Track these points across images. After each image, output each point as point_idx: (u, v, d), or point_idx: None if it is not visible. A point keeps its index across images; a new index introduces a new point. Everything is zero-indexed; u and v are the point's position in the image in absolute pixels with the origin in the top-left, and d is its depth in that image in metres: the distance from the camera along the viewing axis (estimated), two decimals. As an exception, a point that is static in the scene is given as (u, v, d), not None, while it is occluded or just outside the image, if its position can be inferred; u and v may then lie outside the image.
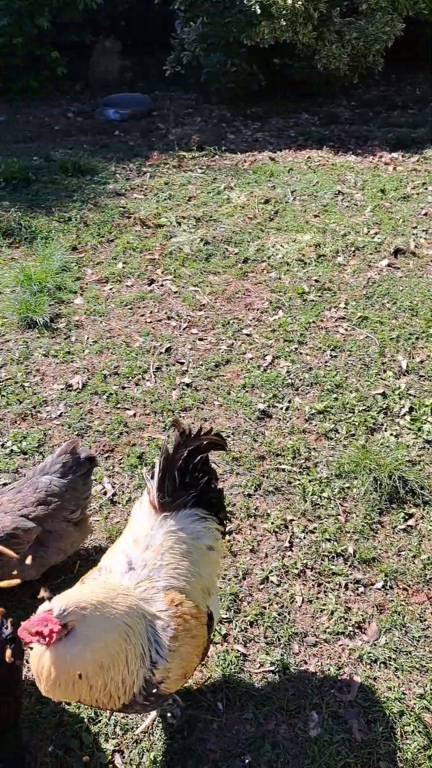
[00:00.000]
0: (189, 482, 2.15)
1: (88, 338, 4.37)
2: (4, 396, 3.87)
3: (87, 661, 1.71)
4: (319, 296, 4.78)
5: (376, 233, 5.59)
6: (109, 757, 2.22)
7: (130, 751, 2.25)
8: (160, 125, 8.34)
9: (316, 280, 4.97)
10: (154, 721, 2.33)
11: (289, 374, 4.04)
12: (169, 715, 2.34)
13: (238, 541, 3.02)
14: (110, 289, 4.93)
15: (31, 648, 1.70)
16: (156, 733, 2.30)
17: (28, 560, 2.47)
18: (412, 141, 7.61)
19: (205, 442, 2.19)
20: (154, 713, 2.33)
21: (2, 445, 3.51)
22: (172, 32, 8.53)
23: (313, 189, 6.42)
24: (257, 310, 4.68)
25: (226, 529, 2.30)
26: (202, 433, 2.22)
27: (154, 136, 7.99)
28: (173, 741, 2.25)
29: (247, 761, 2.23)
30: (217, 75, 8.09)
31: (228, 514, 2.32)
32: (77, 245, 5.47)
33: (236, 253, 5.34)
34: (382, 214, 5.92)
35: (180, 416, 3.76)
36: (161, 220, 5.84)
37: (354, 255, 5.30)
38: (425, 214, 5.90)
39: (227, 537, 2.97)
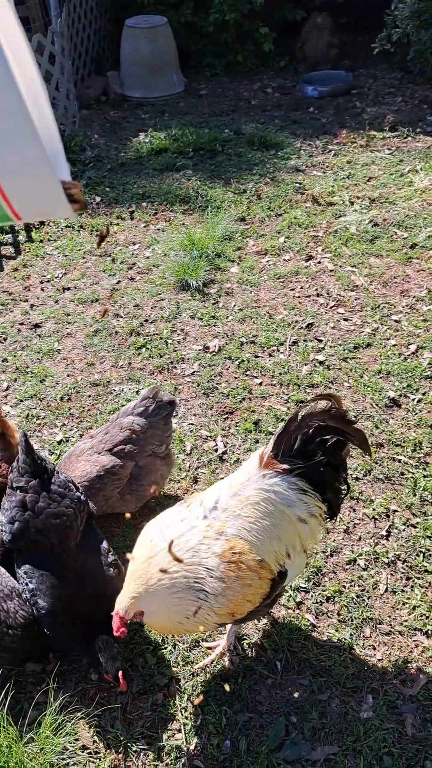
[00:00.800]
0: (305, 453, 2.19)
1: (234, 305, 4.53)
2: (148, 349, 4.17)
3: (164, 621, 2.12)
4: None
5: None
6: (166, 680, 2.40)
7: (186, 682, 2.41)
8: (357, 104, 8.16)
9: None
10: (213, 661, 2.46)
11: (430, 366, 3.88)
12: (227, 661, 2.45)
13: (334, 520, 3.02)
14: (267, 261, 5.03)
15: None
16: (212, 671, 2.44)
17: (128, 494, 2.72)
18: None
19: (341, 428, 2.19)
20: (213, 654, 2.47)
21: (137, 392, 3.81)
22: (387, 9, 8.25)
23: None
24: (413, 297, 4.51)
25: (337, 511, 2.31)
26: (347, 418, 2.22)
27: (347, 115, 7.85)
28: (226, 683, 2.37)
29: (293, 720, 2.29)
30: (425, 53, 7.70)
31: (341, 503, 2.31)
32: (246, 216, 5.63)
33: (405, 238, 5.16)
34: None
35: (306, 392, 3.79)
36: (334, 198, 5.79)
37: None
38: None
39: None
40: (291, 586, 2.69)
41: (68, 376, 4.00)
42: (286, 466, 2.18)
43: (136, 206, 5.92)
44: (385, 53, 8.33)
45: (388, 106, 7.87)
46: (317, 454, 2.17)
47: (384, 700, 2.33)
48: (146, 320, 4.46)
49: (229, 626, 2.47)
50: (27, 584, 2.33)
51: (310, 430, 2.16)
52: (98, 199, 6.09)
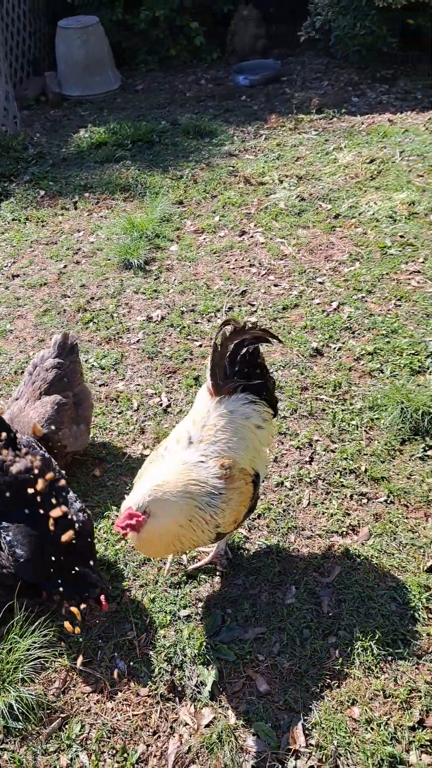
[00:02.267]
0: (238, 371, 2.54)
1: (174, 279, 4.90)
2: (95, 323, 4.51)
3: (170, 527, 2.28)
4: (400, 251, 4.91)
5: None
6: (119, 592, 2.76)
7: (136, 591, 2.77)
8: (287, 90, 8.57)
9: (401, 236, 5.09)
10: (206, 563, 2.85)
11: (349, 319, 4.29)
12: (215, 565, 2.83)
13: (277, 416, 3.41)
14: (204, 238, 5.41)
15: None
16: (160, 581, 2.81)
17: (83, 425, 3.10)
18: None
19: (249, 336, 2.55)
20: (207, 558, 2.86)
21: (86, 360, 4.15)
22: (310, -2, 8.67)
23: (425, 150, 6.40)
24: (336, 261, 4.93)
25: (277, 412, 2.69)
26: (248, 327, 2.58)
27: (278, 101, 8.26)
28: (186, 584, 2.74)
29: (228, 612, 2.67)
30: (345, 38, 8.15)
31: (278, 400, 2.69)
32: (183, 200, 6.00)
33: (329, 210, 5.57)
34: None
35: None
36: (264, 179, 6.19)
37: (447, 213, 5.31)
38: None
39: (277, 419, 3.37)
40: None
41: (21, 352, 4.32)
42: (230, 387, 2.54)
43: (79, 197, 6.24)
44: (311, 40, 8.77)
45: (315, 91, 8.30)
46: (246, 367, 2.54)
47: (305, 588, 2.72)
48: (92, 298, 4.80)
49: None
50: (4, 537, 2.54)
51: (231, 352, 2.52)
52: (42, 192, 6.39)
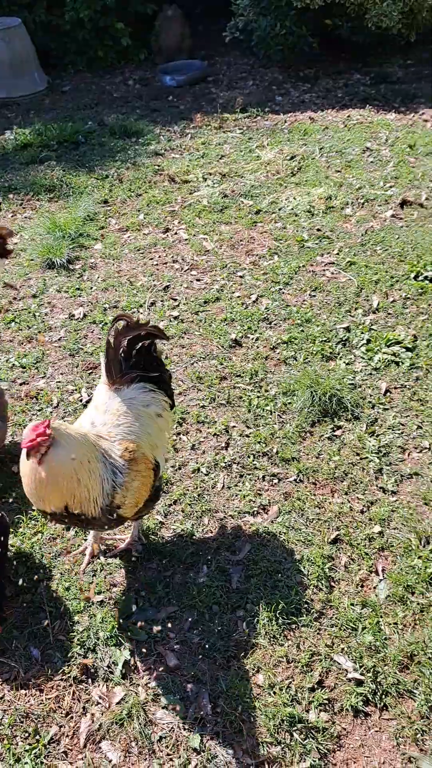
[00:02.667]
0: (134, 363, 2.61)
1: (98, 277, 4.95)
2: (16, 323, 4.52)
3: (68, 463, 2.27)
4: (317, 244, 5.09)
5: (391, 186, 5.77)
6: (33, 583, 2.81)
7: (51, 581, 2.83)
8: (213, 89, 8.72)
9: (318, 230, 5.26)
10: (123, 550, 2.91)
11: (267, 310, 4.43)
12: (133, 550, 2.89)
13: (183, 441, 3.51)
14: (128, 236, 5.47)
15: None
16: (73, 571, 2.86)
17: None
18: (460, 97, 7.55)
19: (143, 332, 2.64)
20: (123, 545, 2.91)
21: (7, 360, 4.16)
22: (233, -1, 8.82)
23: (343, 146, 6.62)
24: (256, 255, 5.06)
25: (174, 402, 2.78)
26: (141, 323, 2.66)
27: (204, 100, 8.39)
28: (102, 571, 2.81)
29: (142, 594, 2.75)
30: (266, 38, 8.34)
31: (172, 393, 2.77)
32: (108, 199, 6.04)
33: (250, 206, 5.71)
34: (403, 168, 6.06)
35: (163, 344, 4.25)
36: (189, 177, 6.30)
37: (362, 207, 5.52)
38: (448, 168, 5.97)
39: (175, 410, 3.47)
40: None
41: None
42: (128, 377, 2.61)
43: (3, 198, 6.21)
44: (237, 41, 8.92)
45: (240, 90, 8.47)
46: (141, 360, 2.62)
47: (216, 567, 2.83)
48: (15, 298, 4.80)
49: (135, 522, 2.89)
50: None
51: (125, 347, 2.60)
52: (-34, 194, 6.33)
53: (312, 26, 8.32)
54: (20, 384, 4.00)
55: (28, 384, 4.00)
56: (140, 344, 2.63)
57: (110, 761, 2.26)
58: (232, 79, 9.01)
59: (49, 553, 2.95)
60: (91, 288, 4.84)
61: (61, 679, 2.49)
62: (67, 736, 2.33)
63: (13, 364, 4.15)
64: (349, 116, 7.36)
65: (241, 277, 4.83)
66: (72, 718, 2.38)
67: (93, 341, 4.31)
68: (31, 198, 6.18)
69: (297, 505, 3.07)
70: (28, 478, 2.30)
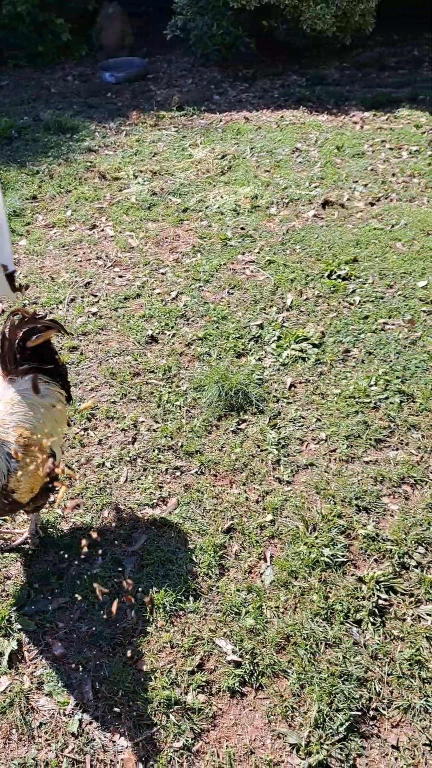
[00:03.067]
0: (28, 356, 2.66)
1: (19, 273, 4.94)
2: None
3: None
4: (240, 242, 5.18)
5: (316, 187, 5.91)
6: None
7: None
8: (152, 87, 8.74)
9: (242, 228, 5.36)
10: (20, 543, 2.94)
11: (186, 307, 4.50)
12: (29, 543, 2.92)
13: (91, 436, 3.56)
14: (54, 232, 5.48)
15: None
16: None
17: None
18: (390, 101, 7.76)
19: (41, 325, 2.68)
20: (20, 539, 2.95)
21: None
22: (173, -3, 8.86)
23: (273, 146, 6.74)
24: (180, 253, 5.13)
25: (71, 395, 2.84)
26: (38, 317, 2.70)
27: (142, 98, 8.41)
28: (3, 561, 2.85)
29: (35, 587, 2.79)
30: (204, 38, 8.41)
31: (68, 385, 2.82)
32: (37, 195, 6.03)
33: (178, 204, 5.78)
34: (329, 169, 6.20)
35: (79, 339, 4.29)
36: (120, 174, 6.33)
37: (287, 206, 5.64)
38: (371, 170, 6.15)
39: (71, 403, 3.52)
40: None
41: None
42: (23, 369, 2.65)
43: None
44: (178, 39, 8.97)
45: (179, 89, 8.51)
46: (37, 352, 2.66)
47: (111, 558, 2.89)
48: None
49: (32, 516, 2.93)
50: None
51: (20, 339, 2.63)
52: None
53: (249, 27, 8.43)
54: None
55: None
56: (36, 336, 2.68)
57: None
58: (172, 77, 9.05)
59: None
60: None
61: None
62: None
63: None
64: (282, 117, 7.48)
65: (163, 274, 4.89)
66: None
67: (10, 337, 4.31)
68: (-41, 193, 6.12)
69: (195, 497, 3.15)
70: None
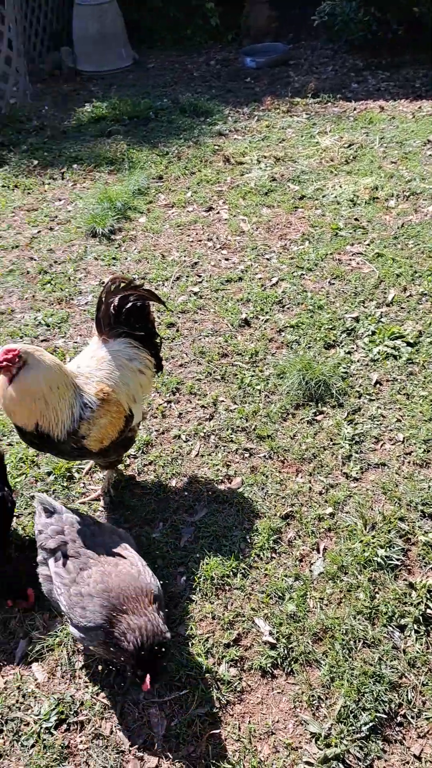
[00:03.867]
0: (121, 320, 2.83)
1: (134, 249, 5.19)
2: (52, 285, 4.84)
3: (37, 383, 2.50)
4: (350, 233, 5.10)
5: (443, 181, 5.65)
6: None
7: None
8: (291, 73, 8.70)
9: (356, 219, 5.26)
10: (94, 498, 3.20)
11: (284, 294, 4.52)
12: (102, 500, 3.18)
13: (172, 408, 3.71)
14: (173, 212, 5.67)
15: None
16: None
17: None
18: None
19: (135, 294, 2.85)
20: (93, 495, 3.21)
21: (35, 318, 4.49)
22: (324, -18, 8.73)
23: (405, 137, 6.51)
24: (288, 240, 5.14)
25: (161, 364, 2.99)
26: (134, 285, 2.87)
27: (279, 84, 8.40)
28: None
29: (97, 541, 2.98)
30: (350, 23, 8.23)
31: (160, 353, 2.99)
32: (163, 175, 6.26)
33: (296, 191, 5.77)
34: (461, 164, 5.90)
35: (178, 317, 4.45)
36: (244, 158, 6.40)
37: (407, 200, 5.46)
38: None
39: (170, 380, 3.68)
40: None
41: (-21, 306, 4.69)
42: (115, 332, 2.84)
43: (68, 168, 6.56)
44: (324, 25, 8.85)
45: (318, 75, 8.42)
46: (130, 319, 2.83)
47: (171, 525, 3.02)
48: (56, 262, 5.13)
49: (106, 474, 3.17)
50: None
51: (116, 305, 2.80)
52: (36, 162, 6.74)
53: (397, 13, 8.12)
54: (41, 341, 4.32)
55: (48, 341, 4.31)
56: (131, 304, 2.84)
57: (36, 680, 2.52)
58: (313, 63, 8.94)
59: (29, 494, 3.24)
60: (126, 259, 5.09)
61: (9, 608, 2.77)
62: (4, 653, 2.61)
63: (40, 322, 4.47)
64: (420, 107, 7.19)
65: (267, 259, 4.93)
66: (13, 640, 2.66)
67: (115, 308, 4.55)
68: (93, 169, 6.50)
69: (260, 479, 3.20)
70: (1, 393, 2.55)
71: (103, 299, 2.82)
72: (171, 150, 6.70)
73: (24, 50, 8.35)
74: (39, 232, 5.58)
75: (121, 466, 3.29)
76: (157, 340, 2.99)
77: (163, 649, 2.16)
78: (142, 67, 9.47)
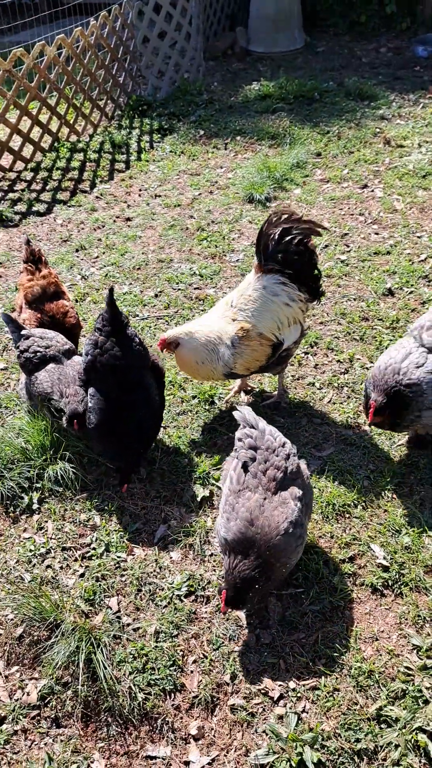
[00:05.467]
0: (280, 252, 3.10)
1: (287, 216, 5.46)
2: (208, 241, 5.24)
3: (189, 358, 3.22)
4: None
5: None
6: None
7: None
8: (464, 64, 8.56)
9: None
10: (275, 400, 3.63)
11: (431, 269, 4.63)
12: (280, 400, 3.62)
13: (309, 359, 3.97)
14: (327, 187, 5.89)
15: None
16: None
17: None
18: None
19: (298, 229, 3.10)
20: (274, 398, 3.65)
21: (190, 268, 4.90)
22: None
23: None
24: (441, 222, 5.21)
25: (318, 292, 3.30)
26: (297, 218, 3.16)
27: (450, 73, 8.31)
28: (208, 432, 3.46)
29: (232, 459, 3.32)
30: None
31: (317, 285, 3.29)
32: (322, 152, 6.48)
33: (455, 176, 5.79)
34: None
35: (323, 281, 4.68)
36: (405, 142, 6.48)
37: None
38: None
39: (308, 335, 3.96)
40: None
41: (142, 254, 5.17)
42: (268, 268, 3.17)
43: (231, 139, 6.95)
44: None
45: None
46: (285, 253, 3.11)
47: (300, 456, 3.29)
48: (213, 221, 5.52)
49: (278, 377, 3.57)
50: (88, 403, 3.08)
51: (275, 238, 3.10)
52: (202, 132, 7.19)
53: None
54: (194, 288, 4.72)
55: (200, 289, 4.70)
56: (289, 237, 3.09)
57: (171, 558, 2.90)
58: None
59: (175, 412, 3.63)
60: (279, 224, 5.37)
61: (155, 497, 3.17)
62: (146, 532, 3.02)
63: (194, 273, 4.87)
64: None
65: (418, 237, 5.03)
66: (153, 523, 3.06)
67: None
68: (254, 142, 6.84)
69: (388, 432, 3.39)
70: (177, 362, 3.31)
71: (264, 230, 3.11)
72: (332, 129, 6.89)
73: (202, 29, 8.83)
74: (200, 194, 6.00)
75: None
76: (315, 272, 3.23)
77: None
78: (311, 50, 9.67)
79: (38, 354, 3.31)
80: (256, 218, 5.48)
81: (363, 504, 3.04)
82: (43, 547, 2.97)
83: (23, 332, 3.43)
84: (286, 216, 3.10)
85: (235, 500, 2.51)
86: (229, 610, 2.52)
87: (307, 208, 5.57)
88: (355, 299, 4.44)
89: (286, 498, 2.48)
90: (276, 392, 3.66)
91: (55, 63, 6.54)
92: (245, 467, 2.57)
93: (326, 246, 5.04)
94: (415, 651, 2.47)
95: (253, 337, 3.09)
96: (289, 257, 3.12)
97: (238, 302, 3.19)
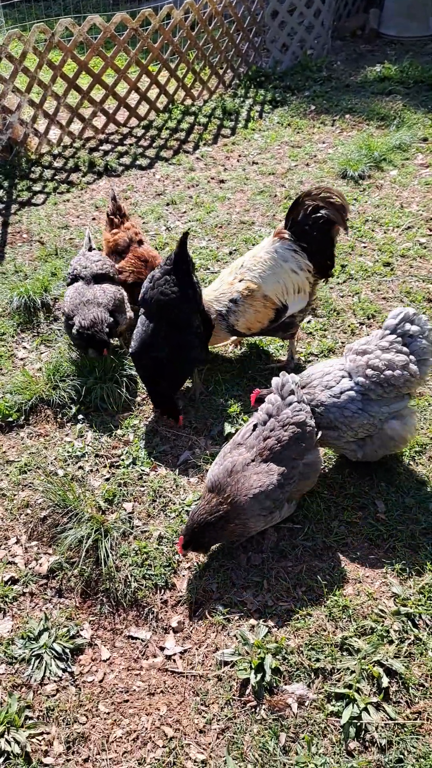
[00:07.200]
0: (299, 222, 3.32)
1: (376, 195, 5.50)
2: (294, 208, 5.37)
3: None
4: None
5: None
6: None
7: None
8: None
9: None
10: (285, 364, 3.77)
11: None
12: (289, 364, 3.74)
13: (363, 329, 4.06)
14: (426, 172, 5.84)
15: None
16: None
17: None
18: None
19: (327, 208, 3.28)
20: (284, 362, 3.82)
21: (269, 232, 5.07)
22: None
23: None
24: None
25: (325, 277, 3.50)
26: (331, 201, 3.32)
27: None
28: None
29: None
30: None
31: (329, 266, 3.44)
32: (429, 137, 6.40)
33: None
34: None
35: (396, 259, 4.72)
36: None
37: None
38: None
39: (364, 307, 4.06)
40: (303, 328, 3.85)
41: (227, 214, 5.39)
42: (283, 234, 3.34)
43: (340, 117, 6.98)
44: None
45: None
46: (305, 225, 3.28)
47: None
48: (301, 191, 5.63)
49: (288, 343, 3.71)
50: (137, 328, 3.37)
51: (303, 208, 3.27)
52: (313, 107, 7.26)
53: None
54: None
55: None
56: (318, 216, 3.26)
57: (188, 480, 3.15)
58: None
59: (222, 359, 3.86)
60: (366, 201, 5.43)
61: (187, 426, 3.43)
62: (171, 455, 3.28)
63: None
64: None
65: None
66: (180, 449, 3.31)
67: (342, 240, 4.95)
68: (362, 121, 6.84)
69: (422, 404, 3.45)
70: None
71: (301, 199, 3.27)
72: (445, 117, 6.76)
73: (335, 7, 8.82)
74: (296, 165, 6.12)
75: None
76: (328, 261, 3.38)
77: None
78: (444, 38, 9.39)
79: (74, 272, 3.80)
80: (346, 193, 5.54)
81: (375, 465, 3.14)
82: (79, 451, 3.31)
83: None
84: (326, 195, 3.23)
85: (230, 450, 2.74)
86: (187, 552, 2.71)
87: (399, 189, 5.57)
88: (423, 281, 4.45)
89: (272, 470, 2.61)
90: (284, 358, 3.80)
91: (181, 26, 6.81)
92: (254, 427, 2.74)
93: (409, 227, 5.04)
94: (393, 598, 2.59)
95: (257, 298, 3.28)
96: (311, 233, 3.27)
97: (248, 263, 3.37)
